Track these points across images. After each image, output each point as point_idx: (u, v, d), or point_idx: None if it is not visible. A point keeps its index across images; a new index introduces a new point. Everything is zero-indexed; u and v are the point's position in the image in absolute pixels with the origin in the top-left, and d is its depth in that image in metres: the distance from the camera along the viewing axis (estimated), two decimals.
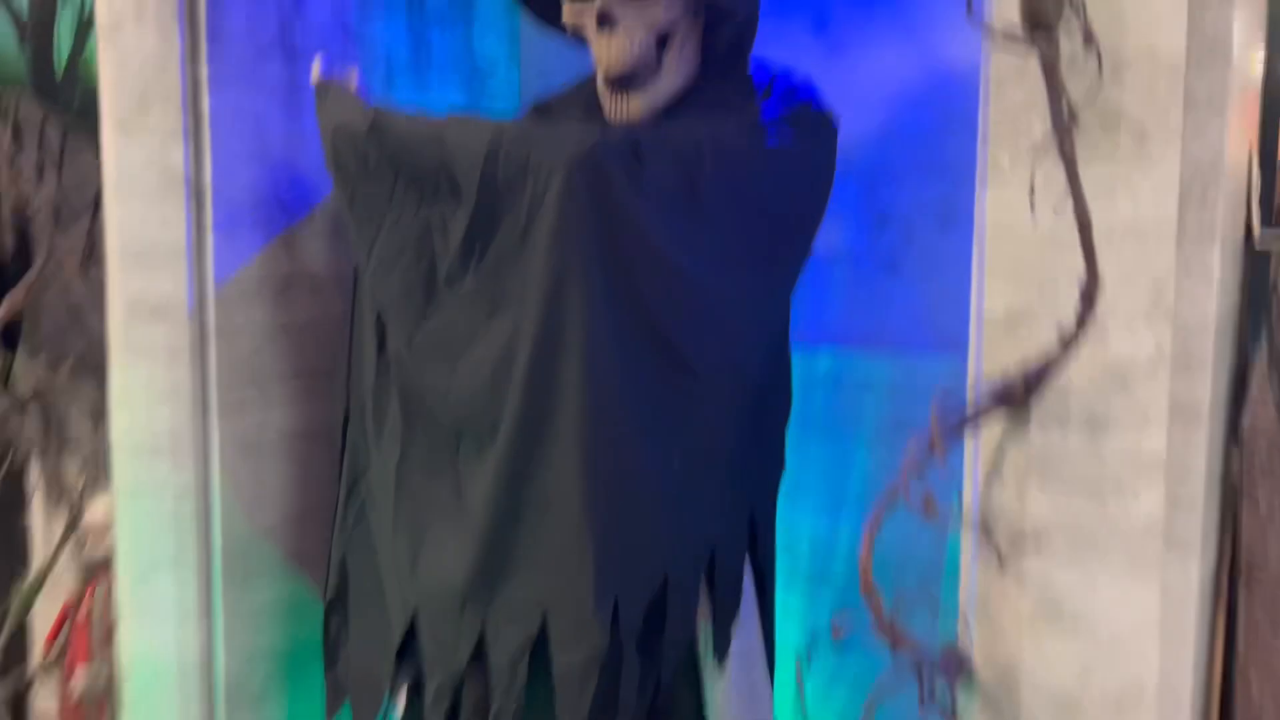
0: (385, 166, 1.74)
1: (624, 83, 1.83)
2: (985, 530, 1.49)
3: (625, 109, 1.86)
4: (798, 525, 2.30)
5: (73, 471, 2.53)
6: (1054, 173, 1.37)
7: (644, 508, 1.69)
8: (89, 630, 2.38)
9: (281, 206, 2.13)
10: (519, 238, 1.65)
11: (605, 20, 1.79)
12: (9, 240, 2.57)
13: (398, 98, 2.40)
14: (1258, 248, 1.56)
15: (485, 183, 1.64)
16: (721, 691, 1.84)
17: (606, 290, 1.62)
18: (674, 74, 1.87)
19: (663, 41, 1.84)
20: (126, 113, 2.01)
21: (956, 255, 1.64)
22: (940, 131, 2.24)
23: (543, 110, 2.01)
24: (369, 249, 1.78)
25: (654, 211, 1.65)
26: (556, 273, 1.61)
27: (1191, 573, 1.45)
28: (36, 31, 2.63)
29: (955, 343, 1.62)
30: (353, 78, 1.88)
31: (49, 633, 2.49)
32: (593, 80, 2.00)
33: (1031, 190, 1.38)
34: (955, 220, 2.23)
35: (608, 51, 1.81)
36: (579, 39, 1.99)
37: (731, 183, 1.73)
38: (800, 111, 1.84)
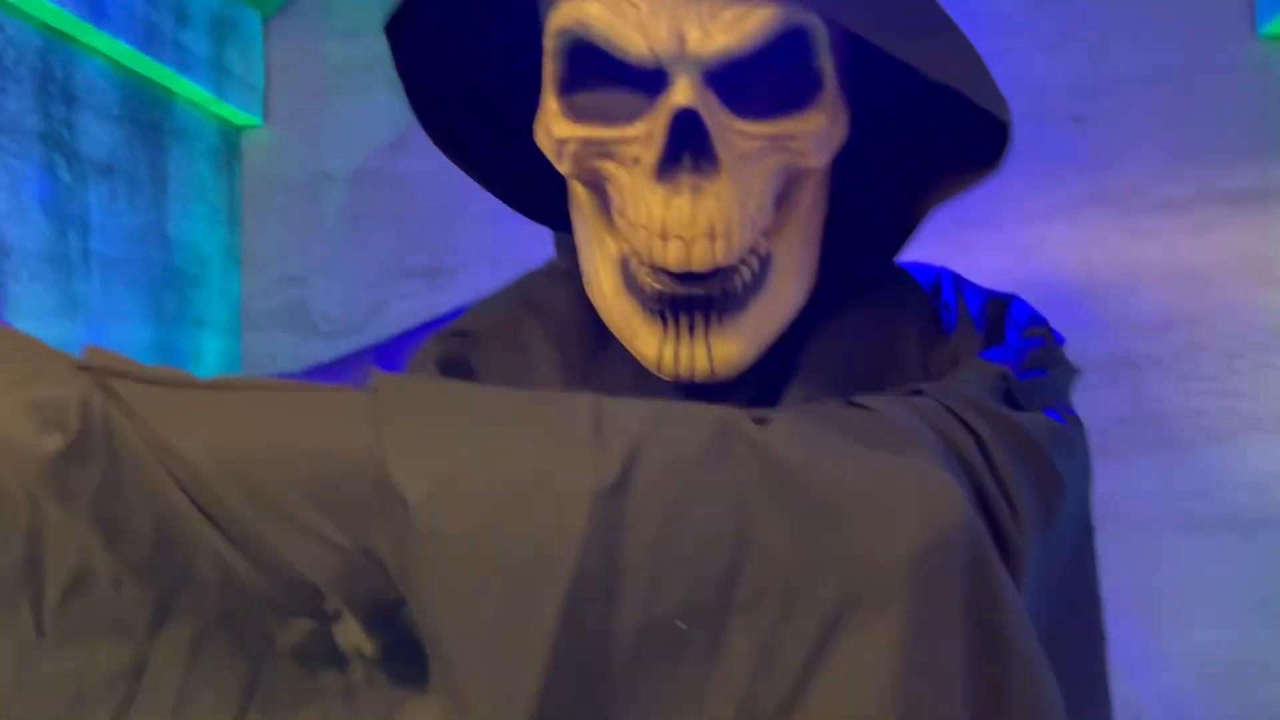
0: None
1: (718, 298, 0.75)
2: None
3: (704, 355, 0.77)
4: None
5: None
6: None
7: None
8: None
9: None
10: None
11: (685, 154, 0.71)
12: None
13: (20, 329, 1.12)
14: None
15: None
16: None
17: None
18: (799, 267, 0.81)
19: (781, 198, 0.79)
20: None
21: None
22: None
23: (465, 355, 0.85)
24: None
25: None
26: None
27: None
28: None
29: None
30: None
31: None
32: (562, 288, 0.89)
33: None
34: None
35: (688, 218, 0.72)
36: (539, 207, 0.90)
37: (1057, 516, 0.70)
38: (1048, 352, 0.85)
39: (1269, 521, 1.30)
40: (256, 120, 1.55)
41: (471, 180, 1.45)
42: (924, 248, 1.46)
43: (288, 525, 0.51)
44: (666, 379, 0.78)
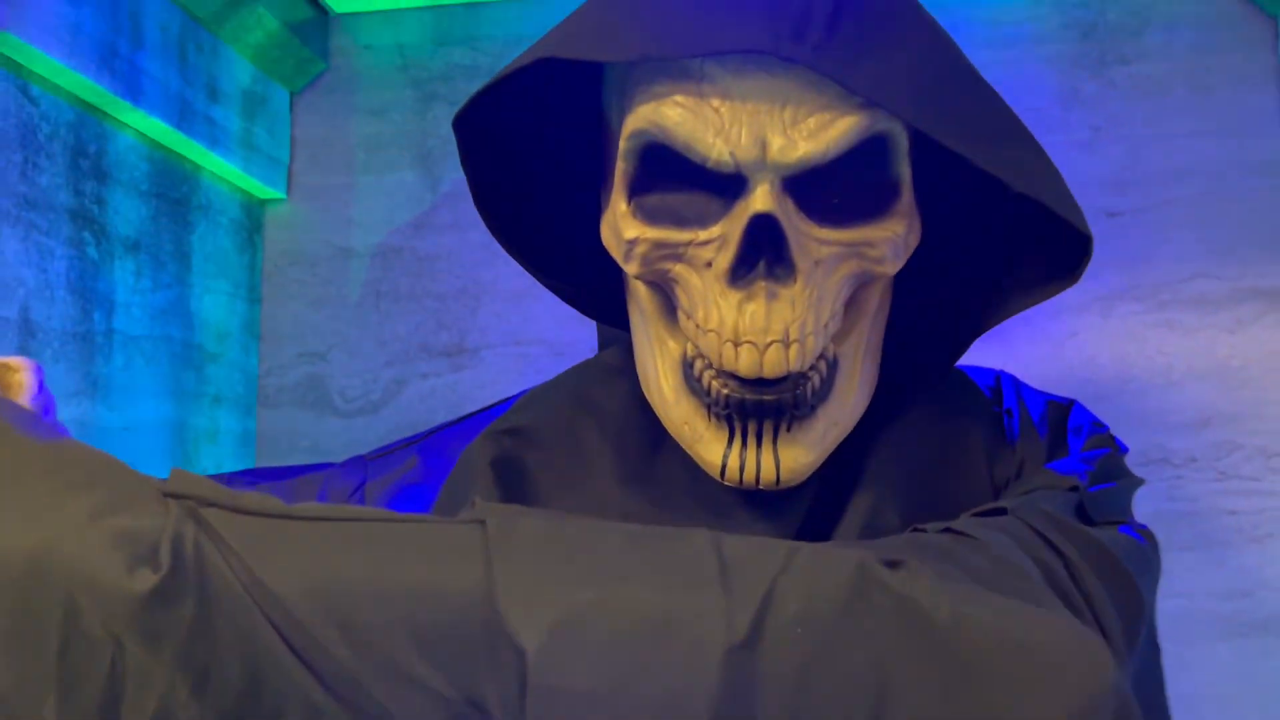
0: None
1: (788, 404, 0.74)
2: None
3: (771, 464, 0.74)
4: None
5: None
6: None
7: None
8: None
9: None
10: None
11: (762, 259, 0.71)
12: None
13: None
14: None
15: None
16: None
17: None
18: (863, 371, 0.80)
19: (848, 301, 0.78)
20: None
21: None
22: None
23: (518, 454, 0.82)
24: None
25: None
26: None
27: None
28: None
29: None
30: (21, 378, 0.63)
31: None
32: (616, 386, 0.87)
33: None
34: None
35: (762, 324, 0.70)
36: (599, 306, 0.89)
37: None
38: (1114, 462, 0.83)
39: None
40: (280, 194, 1.53)
41: (495, 261, 1.43)
42: None
43: (388, 671, 0.48)
44: (729, 485, 0.76)
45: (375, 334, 1.52)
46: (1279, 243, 1.33)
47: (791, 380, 0.73)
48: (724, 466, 0.75)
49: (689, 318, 0.75)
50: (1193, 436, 1.32)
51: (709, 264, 0.72)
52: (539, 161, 0.89)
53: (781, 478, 0.75)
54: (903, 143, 0.73)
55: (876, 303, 0.79)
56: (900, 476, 0.80)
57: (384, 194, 1.54)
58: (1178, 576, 1.30)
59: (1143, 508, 1.30)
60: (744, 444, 0.75)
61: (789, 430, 0.75)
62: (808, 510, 0.79)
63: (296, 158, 1.55)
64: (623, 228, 0.75)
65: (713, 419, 0.76)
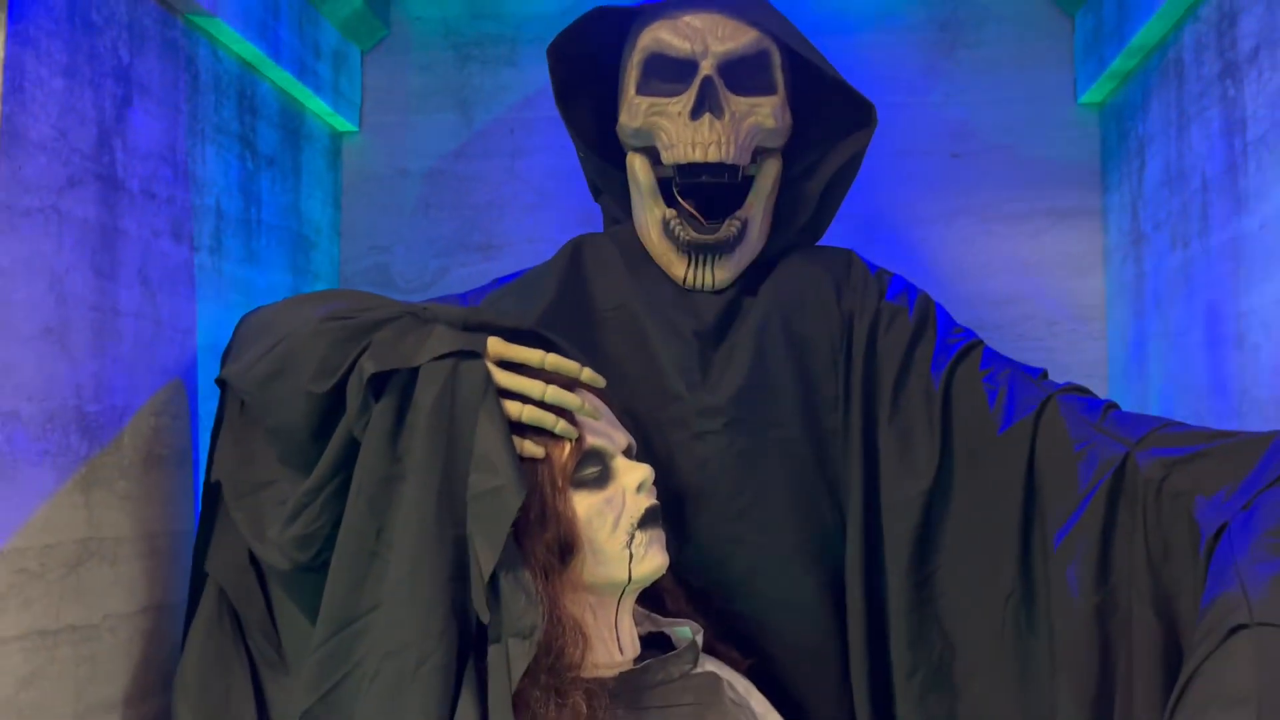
0: None
1: (718, 246, 1.35)
2: None
3: (709, 276, 1.38)
4: None
5: None
6: None
7: None
8: None
9: (81, 425, 1.27)
10: None
11: (707, 102, 1.32)
12: None
13: (226, 270, 1.63)
14: None
15: None
16: None
17: None
18: (760, 225, 1.41)
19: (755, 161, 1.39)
20: None
21: None
22: None
23: (581, 252, 1.47)
24: None
25: None
26: None
27: None
28: None
29: None
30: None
31: None
32: (626, 230, 1.48)
33: None
34: None
35: (707, 133, 1.32)
36: (605, 167, 1.50)
37: None
38: (925, 302, 1.44)
39: None
40: (354, 128, 2.06)
41: (514, 182, 2.00)
42: (849, 242, 2.03)
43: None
44: (685, 287, 1.38)
45: (425, 234, 2.07)
46: (1066, 177, 1.92)
47: (726, 169, 1.34)
48: (685, 277, 1.37)
49: (668, 149, 1.35)
50: (1001, 310, 1.92)
51: (680, 113, 1.34)
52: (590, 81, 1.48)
53: (716, 283, 1.37)
54: (776, 58, 1.36)
55: (772, 177, 1.39)
56: (781, 295, 1.39)
57: (431, 130, 2.08)
58: None
59: None
60: (695, 267, 1.35)
61: (719, 260, 1.35)
62: (724, 307, 1.38)
63: (366, 100, 2.08)
64: (632, 102, 1.37)
65: (680, 253, 1.35)
